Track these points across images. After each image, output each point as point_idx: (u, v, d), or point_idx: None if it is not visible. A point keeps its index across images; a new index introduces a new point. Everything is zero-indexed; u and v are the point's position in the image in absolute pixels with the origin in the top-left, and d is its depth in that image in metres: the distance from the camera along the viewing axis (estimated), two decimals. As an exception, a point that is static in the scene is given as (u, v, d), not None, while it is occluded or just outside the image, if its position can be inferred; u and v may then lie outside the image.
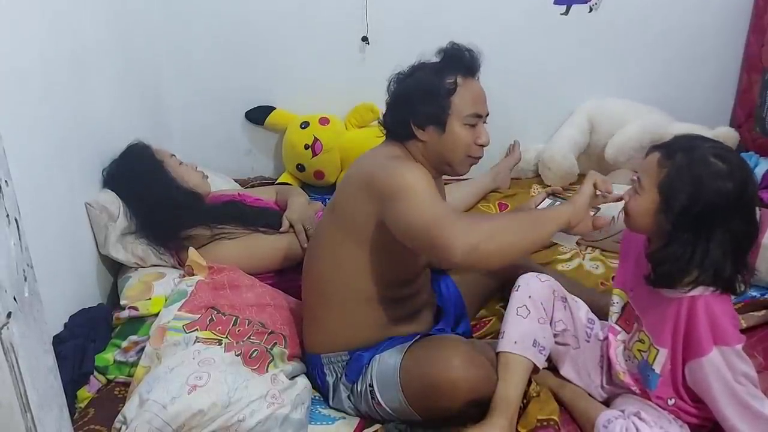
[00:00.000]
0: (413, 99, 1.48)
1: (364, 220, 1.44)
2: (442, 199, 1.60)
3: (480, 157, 1.54)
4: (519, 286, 1.54)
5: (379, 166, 1.43)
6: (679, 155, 1.28)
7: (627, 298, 1.48)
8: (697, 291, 1.29)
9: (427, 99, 1.46)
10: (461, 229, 1.26)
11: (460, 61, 1.49)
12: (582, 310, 1.57)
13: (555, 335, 1.53)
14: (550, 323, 1.52)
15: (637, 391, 1.43)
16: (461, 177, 1.63)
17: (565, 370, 1.55)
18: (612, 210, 2.14)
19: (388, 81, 1.54)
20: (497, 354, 1.47)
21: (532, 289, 1.52)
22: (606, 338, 1.51)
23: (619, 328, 1.49)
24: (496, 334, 1.67)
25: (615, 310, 1.51)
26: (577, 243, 2.21)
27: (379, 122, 1.59)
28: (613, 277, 2.06)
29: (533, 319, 1.49)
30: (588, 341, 1.55)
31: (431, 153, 1.51)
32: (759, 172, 2.46)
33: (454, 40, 1.53)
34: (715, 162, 1.25)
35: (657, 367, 1.36)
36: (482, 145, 1.51)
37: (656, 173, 1.30)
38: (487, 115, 1.52)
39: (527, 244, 1.36)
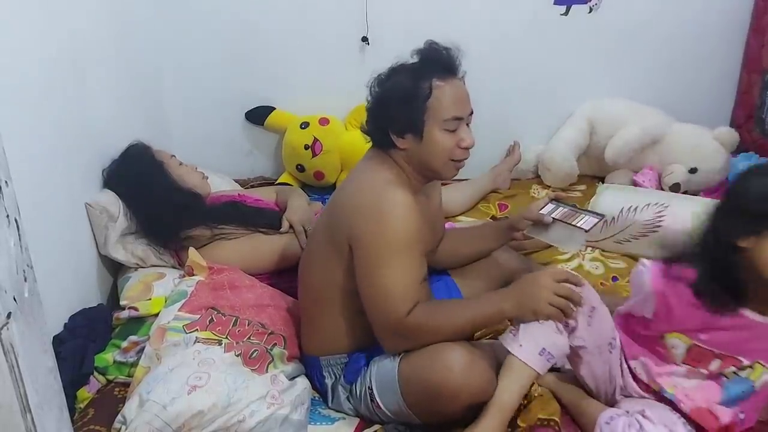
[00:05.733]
0: (389, 106, 1.42)
1: (347, 247, 1.43)
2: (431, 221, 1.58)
3: (465, 159, 1.48)
4: None
5: (371, 204, 1.39)
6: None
7: (692, 341, 1.37)
8: None
9: (401, 106, 1.40)
10: (400, 339, 1.40)
11: (436, 62, 1.42)
12: (608, 323, 1.45)
13: (572, 347, 1.43)
14: (570, 334, 1.41)
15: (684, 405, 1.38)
16: (458, 178, 1.61)
17: (582, 373, 1.49)
18: (612, 210, 2.15)
19: (367, 85, 1.48)
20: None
21: None
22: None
23: (685, 367, 1.39)
24: (496, 334, 1.67)
25: (678, 352, 1.39)
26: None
27: (361, 130, 1.54)
28: (612, 279, 2.07)
29: (549, 326, 1.39)
30: (611, 353, 1.45)
31: (413, 160, 1.47)
32: (759, 172, 2.46)
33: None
34: None
35: (757, 383, 1.34)
36: (466, 148, 1.45)
37: None
38: (471, 114, 1.45)
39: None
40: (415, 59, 1.46)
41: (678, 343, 1.39)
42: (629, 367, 1.45)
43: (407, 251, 1.38)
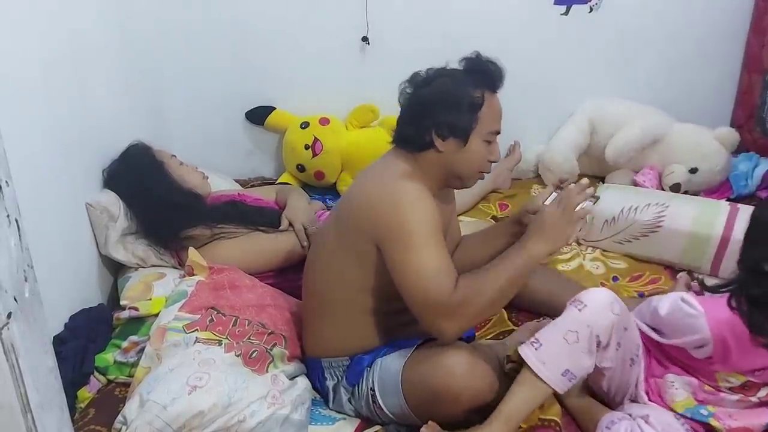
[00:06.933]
0: (438, 107, 1.43)
1: (365, 244, 1.42)
2: (446, 217, 1.56)
3: (488, 173, 1.54)
4: (585, 305, 1.35)
5: (386, 197, 1.40)
6: None
7: (747, 378, 1.37)
8: None
9: (454, 110, 1.42)
10: (453, 317, 1.34)
11: (487, 76, 1.46)
12: (634, 340, 1.43)
13: (597, 366, 1.39)
14: (599, 351, 1.36)
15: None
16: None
17: (599, 384, 1.48)
18: (613, 210, 2.15)
19: (402, 85, 1.49)
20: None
21: (596, 322, 1.34)
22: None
23: (736, 395, 1.38)
24: (497, 335, 1.67)
25: (731, 385, 1.39)
26: (578, 243, 2.22)
27: (392, 130, 1.53)
28: (612, 279, 2.07)
29: (578, 349, 1.34)
30: (631, 367, 1.43)
31: (444, 165, 1.47)
32: (759, 172, 2.46)
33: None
34: None
35: None
36: (493, 162, 1.51)
37: None
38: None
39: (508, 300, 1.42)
40: (462, 68, 1.48)
41: (732, 379, 1.38)
42: (646, 380, 1.43)
43: (434, 234, 1.38)
